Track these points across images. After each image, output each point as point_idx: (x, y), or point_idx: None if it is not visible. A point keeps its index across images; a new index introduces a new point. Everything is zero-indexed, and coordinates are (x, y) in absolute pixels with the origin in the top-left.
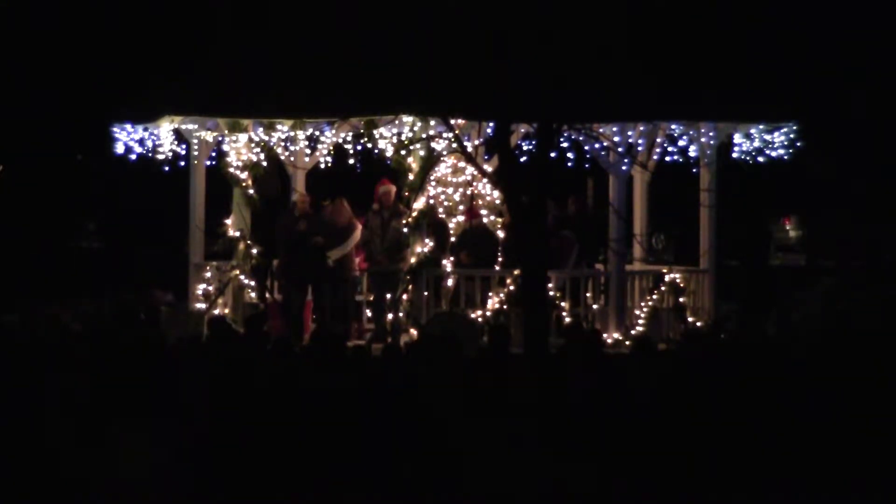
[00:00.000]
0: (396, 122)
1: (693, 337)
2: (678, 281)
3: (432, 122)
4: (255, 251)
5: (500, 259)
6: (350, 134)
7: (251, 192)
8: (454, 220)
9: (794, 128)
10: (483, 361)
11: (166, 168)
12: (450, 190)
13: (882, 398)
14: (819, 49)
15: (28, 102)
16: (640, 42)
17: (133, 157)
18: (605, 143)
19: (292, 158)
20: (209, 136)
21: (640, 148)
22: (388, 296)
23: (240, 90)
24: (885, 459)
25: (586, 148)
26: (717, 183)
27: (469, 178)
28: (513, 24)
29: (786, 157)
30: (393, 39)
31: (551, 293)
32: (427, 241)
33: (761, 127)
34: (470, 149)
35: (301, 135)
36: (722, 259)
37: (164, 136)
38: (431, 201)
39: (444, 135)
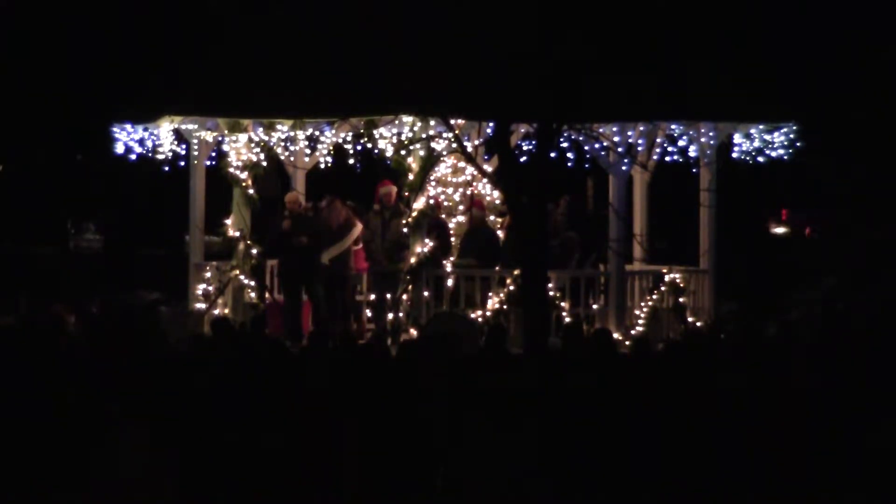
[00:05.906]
0: (396, 122)
1: (693, 337)
2: (678, 281)
3: (432, 122)
4: (255, 251)
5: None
6: (350, 134)
7: (251, 192)
8: (454, 220)
9: (794, 128)
10: (481, 360)
11: (166, 168)
12: (450, 190)
13: (881, 398)
14: (819, 49)
15: (28, 102)
16: (640, 42)
17: (133, 157)
18: (605, 143)
19: (292, 158)
20: (209, 136)
21: (640, 148)
22: (389, 296)
23: (240, 90)
24: (885, 459)
25: (586, 148)
26: (716, 183)
27: (469, 178)
28: (513, 24)
29: (786, 157)
30: (393, 39)
31: (551, 293)
32: (427, 241)
33: (761, 127)
34: (470, 149)
35: (301, 135)
36: (719, 258)
37: (164, 136)
38: (431, 201)
39: (444, 135)
